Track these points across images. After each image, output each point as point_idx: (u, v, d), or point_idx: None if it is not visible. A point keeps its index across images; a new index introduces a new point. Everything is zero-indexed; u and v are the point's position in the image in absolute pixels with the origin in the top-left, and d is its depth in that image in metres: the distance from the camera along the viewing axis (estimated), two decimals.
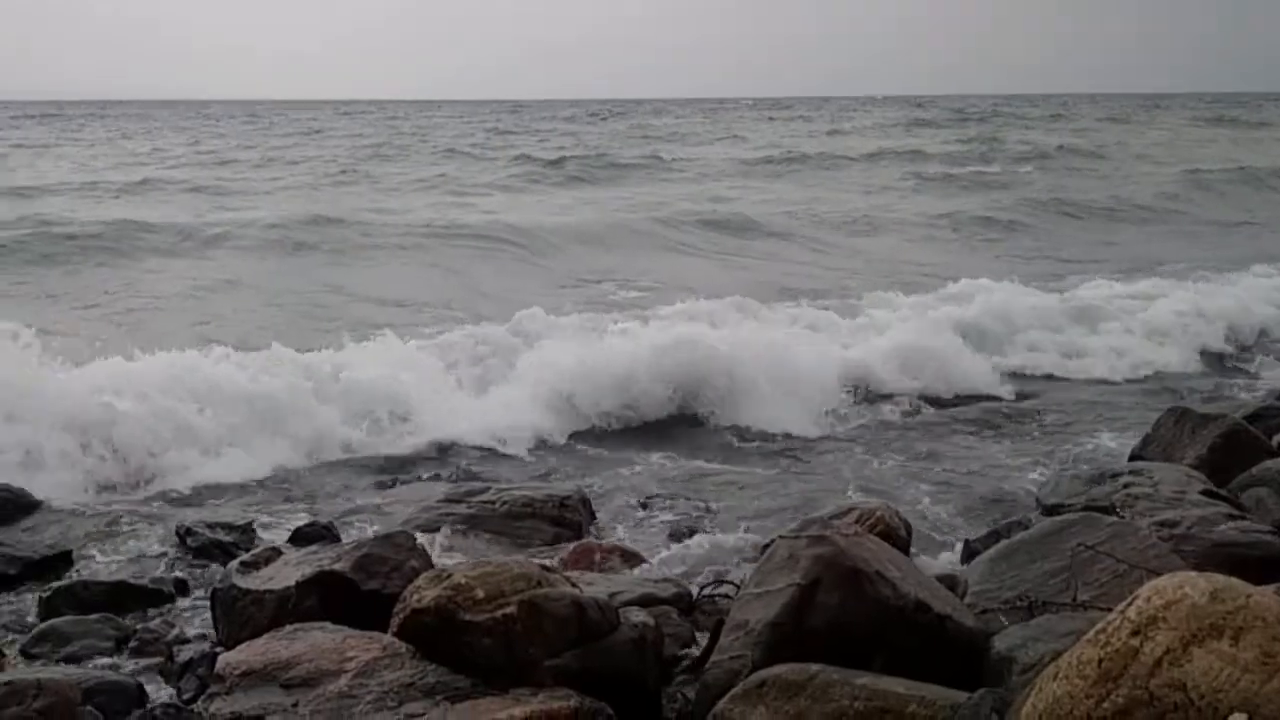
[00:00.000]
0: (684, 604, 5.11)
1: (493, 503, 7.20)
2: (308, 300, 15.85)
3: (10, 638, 5.63)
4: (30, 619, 5.90)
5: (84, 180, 30.66)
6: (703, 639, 4.82)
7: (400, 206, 25.98)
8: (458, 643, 4.15)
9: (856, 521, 5.69)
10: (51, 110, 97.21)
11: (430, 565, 5.36)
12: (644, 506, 7.79)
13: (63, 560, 6.70)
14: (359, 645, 4.32)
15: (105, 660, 5.29)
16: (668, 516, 7.56)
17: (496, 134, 57.63)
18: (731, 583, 5.17)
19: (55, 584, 6.25)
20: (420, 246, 20.01)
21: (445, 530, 6.81)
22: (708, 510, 7.68)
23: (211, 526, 6.94)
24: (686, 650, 4.85)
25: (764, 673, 3.89)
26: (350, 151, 42.90)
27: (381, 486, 8.38)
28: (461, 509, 7.16)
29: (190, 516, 7.21)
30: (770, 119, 77.56)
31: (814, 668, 3.83)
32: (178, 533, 6.95)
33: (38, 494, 7.75)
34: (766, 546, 5.45)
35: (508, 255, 19.57)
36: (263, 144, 48.27)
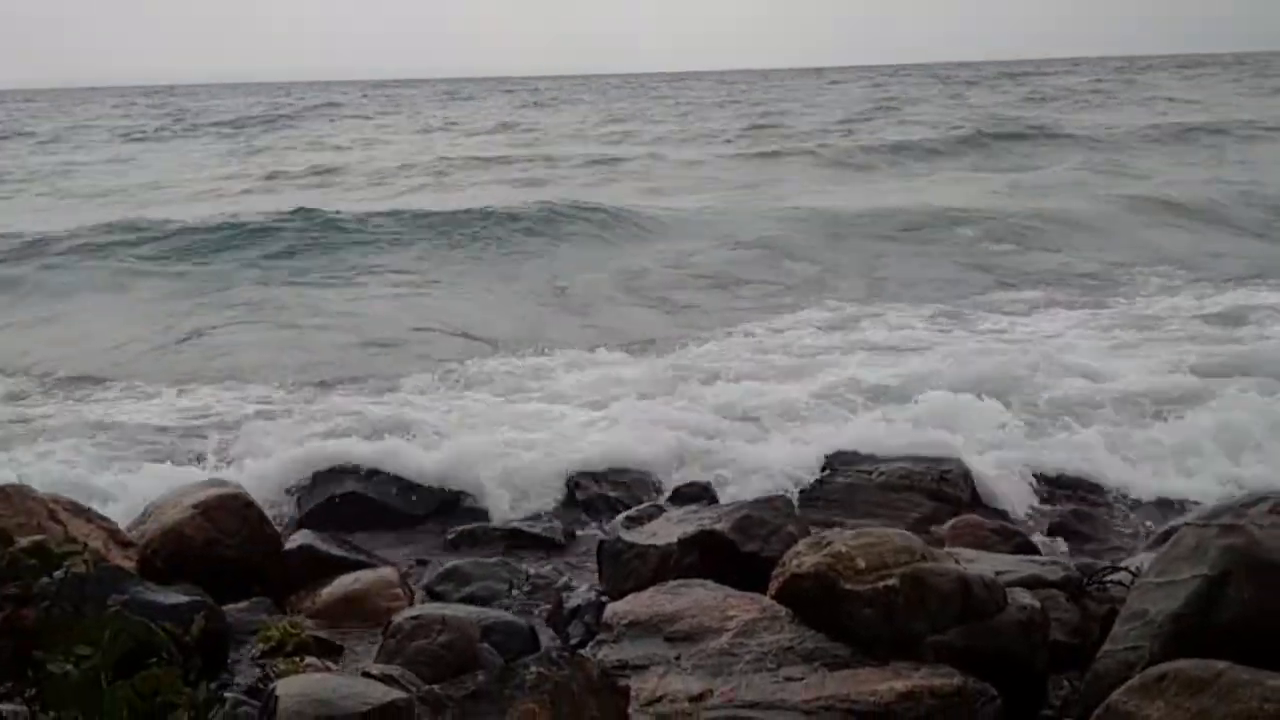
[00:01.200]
0: (1072, 588, 4.87)
1: (869, 472, 7.12)
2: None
3: (418, 574, 6.06)
4: (435, 558, 6.34)
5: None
6: (1092, 627, 4.59)
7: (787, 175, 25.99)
8: (837, 610, 4.15)
9: (1271, 511, 5.28)
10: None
11: (807, 531, 5.37)
12: (1027, 483, 7.46)
13: (465, 504, 7.14)
14: (739, 605, 4.39)
15: (501, 602, 5.60)
16: (1054, 495, 7.23)
17: (880, 103, 55.85)
18: (1128, 569, 4.88)
19: (458, 526, 6.72)
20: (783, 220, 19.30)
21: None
22: (1098, 492, 7.29)
23: (599, 480, 7.24)
24: (1074, 637, 4.63)
25: (1164, 666, 3.68)
26: (735, 121, 43.58)
27: None
28: (837, 479, 7.12)
29: (580, 470, 7.49)
30: (1185, 78, 71.55)
31: (1220, 665, 3.59)
32: (568, 485, 7.28)
33: None
34: (1168, 534, 5.13)
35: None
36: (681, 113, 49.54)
